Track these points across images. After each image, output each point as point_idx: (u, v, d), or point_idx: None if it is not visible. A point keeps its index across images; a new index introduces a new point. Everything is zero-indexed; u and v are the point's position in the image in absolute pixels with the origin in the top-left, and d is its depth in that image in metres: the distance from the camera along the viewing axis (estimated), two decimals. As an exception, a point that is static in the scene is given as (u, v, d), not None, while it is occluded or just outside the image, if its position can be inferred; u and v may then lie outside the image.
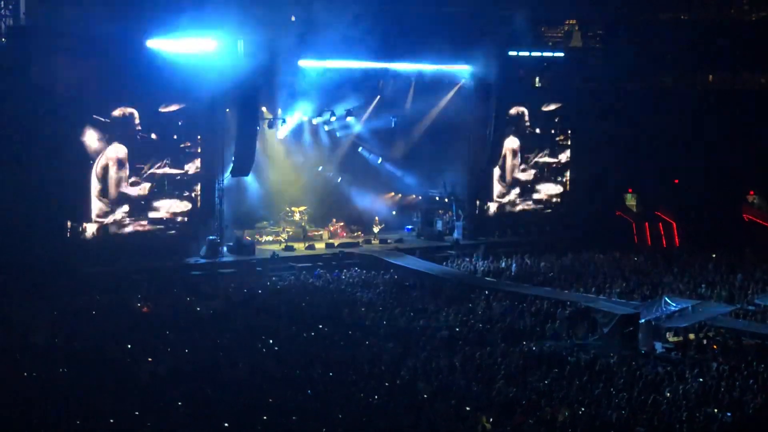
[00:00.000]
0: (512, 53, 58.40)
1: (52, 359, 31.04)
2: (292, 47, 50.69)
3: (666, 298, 36.75)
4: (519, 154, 62.22)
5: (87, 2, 46.44)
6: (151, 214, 49.41)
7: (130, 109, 47.87)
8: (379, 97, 58.00)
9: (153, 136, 48.93)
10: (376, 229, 58.30)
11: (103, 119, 47.22)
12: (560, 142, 63.09)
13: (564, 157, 63.48)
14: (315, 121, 57.40)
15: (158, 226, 49.46)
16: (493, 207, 61.49)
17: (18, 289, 40.01)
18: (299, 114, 56.51)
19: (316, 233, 57.18)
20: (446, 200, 60.45)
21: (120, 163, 48.24)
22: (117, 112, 47.51)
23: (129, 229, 48.70)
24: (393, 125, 59.24)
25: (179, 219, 50.24)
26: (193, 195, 50.69)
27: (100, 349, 32.52)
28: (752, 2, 68.71)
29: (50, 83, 44.77)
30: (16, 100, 43.93)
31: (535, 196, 63.03)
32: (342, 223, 58.39)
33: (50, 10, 46.48)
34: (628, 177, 64.04)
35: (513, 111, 60.44)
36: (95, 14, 45.89)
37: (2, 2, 45.55)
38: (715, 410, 26.51)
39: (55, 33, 45.32)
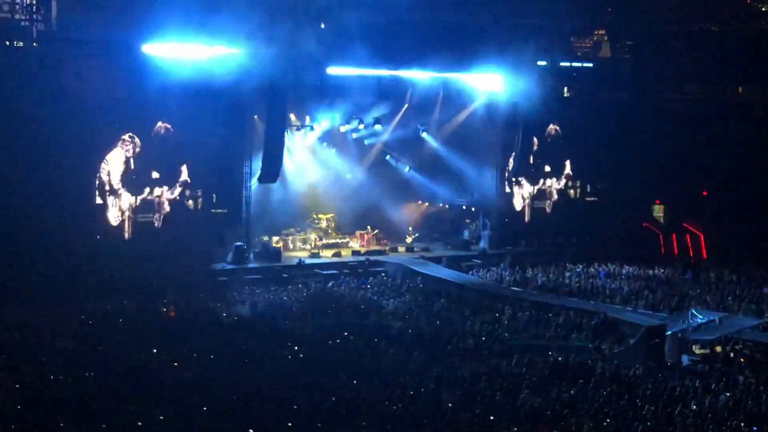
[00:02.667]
0: (541, 63, 58.29)
1: (78, 364, 31.16)
2: (320, 55, 50.80)
3: (693, 311, 36.59)
4: (547, 164, 62.17)
5: (117, 9, 46.65)
6: (178, 220, 49.57)
7: (158, 115, 48.11)
8: (407, 105, 58.01)
9: (181, 141, 49.14)
10: (409, 240, 58.31)
11: (133, 126, 47.51)
12: (588, 153, 62.88)
13: (592, 167, 63.31)
14: (343, 129, 57.48)
15: (185, 232, 49.56)
16: (520, 217, 61.46)
17: (45, 294, 40.19)
18: (327, 121, 56.68)
19: (342, 240, 57.34)
20: (473, 209, 60.41)
21: (150, 169, 48.52)
22: (146, 119, 47.75)
23: (156, 234, 48.91)
24: (421, 134, 59.32)
25: (206, 225, 50.34)
26: (220, 201, 50.84)
27: (126, 354, 32.65)
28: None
29: (81, 89, 45.05)
30: (46, 105, 44.10)
31: (563, 206, 62.90)
32: (376, 231, 58.37)
33: (81, 16, 46.70)
34: (655, 188, 63.80)
35: (541, 121, 60.30)
36: (124, 22, 46.16)
37: (34, 7, 45.78)
38: (742, 424, 26.37)
39: (85, 39, 45.61)
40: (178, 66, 46.52)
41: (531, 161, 61.27)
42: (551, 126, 61.47)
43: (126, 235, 48.17)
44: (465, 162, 59.70)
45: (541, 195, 62.57)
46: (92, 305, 39.56)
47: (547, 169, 62.61)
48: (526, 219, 62.06)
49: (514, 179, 60.91)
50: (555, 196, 63.15)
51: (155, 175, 48.97)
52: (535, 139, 61.10)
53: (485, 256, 56.30)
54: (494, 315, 40.22)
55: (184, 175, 49.95)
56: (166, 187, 49.34)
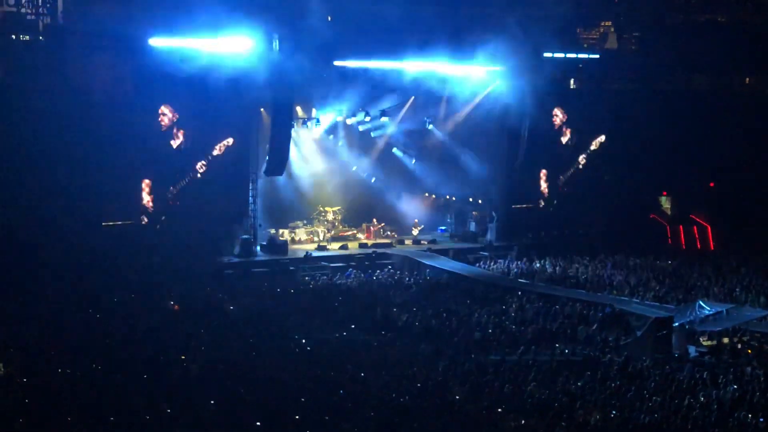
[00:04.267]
0: (547, 55, 58.18)
1: (86, 356, 31.22)
2: (327, 47, 50.81)
3: (700, 302, 36.57)
4: (553, 155, 62.02)
5: (123, 2, 46.68)
6: (185, 212, 49.56)
7: (165, 109, 48.13)
8: (413, 97, 57.92)
9: (188, 135, 49.16)
10: (415, 232, 58.38)
11: (139, 118, 47.54)
12: (594, 144, 62.76)
13: (598, 159, 63.17)
14: (349, 121, 57.35)
15: (192, 225, 49.54)
16: (526, 208, 61.30)
17: (52, 287, 40.24)
18: (333, 114, 56.62)
19: (349, 233, 57.36)
20: (480, 201, 60.33)
21: (157, 163, 48.53)
22: (153, 112, 47.78)
23: (163, 227, 48.89)
24: (427, 126, 59.26)
25: (213, 218, 50.29)
26: (226, 194, 50.80)
27: (133, 346, 32.71)
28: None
29: (86, 82, 45.08)
30: (52, 98, 44.16)
31: (569, 198, 62.75)
32: (383, 224, 58.40)
33: (87, 9, 46.73)
34: (662, 179, 63.68)
35: (547, 113, 60.08)
36: (131, 15, 46.19)
37: (39, 1, 45.84)
38: (749, 415, 26.36)
39: (91, 32, 45.62)
40: (185, 59, 46.55)
41: (537, 152, 60.91)
42: (558, 118, 61.11)
43: (133, 229, 48.16)
44: (471, 154, 59.57)
45: (549, 186, 62.32)
46: (99, 299, 39.59)
47: (555, 160, 62.40)
48: (533, 211, 61.75)
49: (520, 171, 60.65)
50: (560, 187, 62.94)
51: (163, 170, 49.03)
52: (541, 132, 60.68)
53: (492, 248, 56.25)
54: (501, 307, 40.21)
55: (191, 168, 50.03)
56: (172, 179, 49.36)
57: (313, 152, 57.84)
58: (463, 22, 55.83)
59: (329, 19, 52.36)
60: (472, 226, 59.95)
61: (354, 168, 59.31)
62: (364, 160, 59.53)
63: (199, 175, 49.94)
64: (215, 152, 50.21)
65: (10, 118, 43.73)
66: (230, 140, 50.43)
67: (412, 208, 60.23)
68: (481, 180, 60.02)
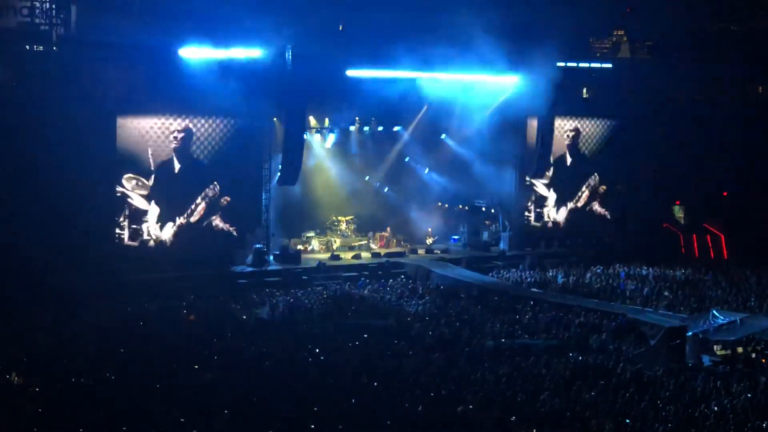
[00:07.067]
0: (560, 64, 58.13)
1: (100, 366, 31.26)
2: (340, 57, 50.89)
3: (714, 311, 36.45)
4: (566, 165, 61.94)
5: (135, 13, 46.79)
6: (198, 222, 49.65)
7: (180, 121, 48.27)
8: (426, 106, 57.90)
9: (202, 146, 49.27)
10: (429, 241, 58.36)
11: (155, 130, 47.69)
12: (608, 153, 62.63)
13: (611, 167, 63.03)
14: (362, 131, 57.36)
15: (205, 234, 49.66)
16: (539, 218, 61.25)
17: (67, 296, 40.31)
18: (346, 123, 56.60)
19: (362, 242, 57.37)
20: (493, 210, 60.28)
21: (169, 172, 48.60)
22: (169, 124, 47.95)
23: (176, 237, 48.98)
24: (440, 135, 59.25)
25: (226, 227, 50.36)
26: (240, 203, 50.85)
27: (146, 356, 32.74)
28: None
29: (101, 92, 45.23)
30: (67, 109, 44.26)
31: (582, 207, 62.65)
32: (397, 234, 58.42)
33: (101, 19, 46.84)
34: (676, 189, 63.56)
35: (560, 122, 60.07)
36: (143, 25, 46.32)
37: (53, 11, 46.00)
38: (764, 424, 26.28)
39: (104, 43, 45.75)
40: (198, 68, 46.75)
41: (550, 161, 60.77)
42: (572, 127, 61.06)
43: (146, 240, 48.30)
44: (484, 163, 59.51)
45: (562, 196, 62.16)
46: (113, 308, 39.66)
47: (567, 169, 62.33)
48: (547, 221, 61.66)
49: (534, 180, 60.58)
50: (573, 197, 62.85)
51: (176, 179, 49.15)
52: (555, 141, 60.60)
53: (505, 257, 56.20)
54: (514, 316, 40.17)
55: (217, 185, 50.13)
56: (184, 187, 49.46)
57: (325, 162, 57.82)
58: (476, 31, 55.67)
59: (341, 28, 52.45)
60: (485, 236, 59.91)
61: (367, 178, 59.30)
62: (377, 169, 59.49)
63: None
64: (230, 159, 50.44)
65: (23, 129, 43.79)
66: None
67: (424, 217, 60.17)
68: (494, 190, 59.99)
